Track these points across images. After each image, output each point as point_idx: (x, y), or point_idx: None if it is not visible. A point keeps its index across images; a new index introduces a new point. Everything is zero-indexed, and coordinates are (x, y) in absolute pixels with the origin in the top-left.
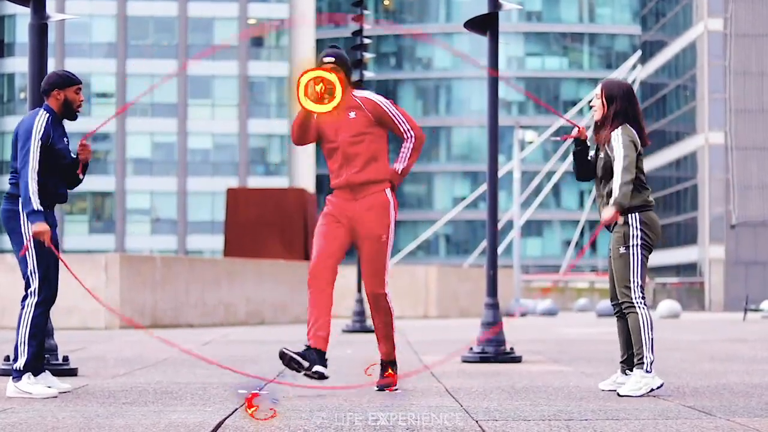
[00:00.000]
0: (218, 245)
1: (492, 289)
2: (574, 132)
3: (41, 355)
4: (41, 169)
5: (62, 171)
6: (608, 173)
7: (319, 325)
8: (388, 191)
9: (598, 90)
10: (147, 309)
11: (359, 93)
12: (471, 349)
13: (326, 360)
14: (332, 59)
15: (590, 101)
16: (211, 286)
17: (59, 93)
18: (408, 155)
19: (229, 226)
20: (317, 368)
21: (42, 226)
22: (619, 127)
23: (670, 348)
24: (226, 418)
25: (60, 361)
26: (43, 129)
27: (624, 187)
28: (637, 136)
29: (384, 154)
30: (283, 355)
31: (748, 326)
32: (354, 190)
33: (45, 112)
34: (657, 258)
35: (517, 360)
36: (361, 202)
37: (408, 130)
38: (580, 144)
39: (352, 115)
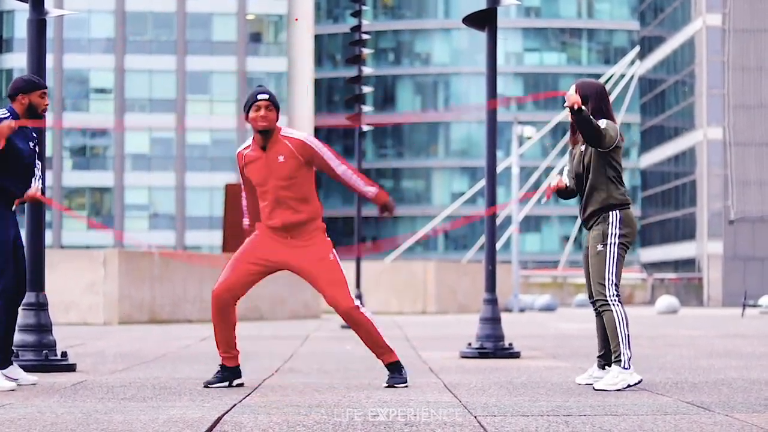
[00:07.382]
0: (216, 241)
1: (491, 284)
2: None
3: (6, 347)
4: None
5: (22, 171)
6: (587, 169)
7: (232, 345)
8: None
9: (572, 90)
10: (145, 304)
11: (287, 133)
12: (470, 344)
13: (240, 371)
14: (266, 96)
15: (564, 104)
16: (209, 282)
17: (24, 97)
18: (357, 175)
19: (228, 221)
20: (237, 381)
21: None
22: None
23: (668, 344)
24: (224, 414)
25: (59, 356)
26: None
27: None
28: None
29: (314, 194)
30: (207, 386)
31: (747, 322)
32: (289, 231)
33: (7, 112)
34: (655, 253)
35: (516, 355)
36: (297, 240)
37: (336, 160)
38: (576, 113)
39: (281, 159)
